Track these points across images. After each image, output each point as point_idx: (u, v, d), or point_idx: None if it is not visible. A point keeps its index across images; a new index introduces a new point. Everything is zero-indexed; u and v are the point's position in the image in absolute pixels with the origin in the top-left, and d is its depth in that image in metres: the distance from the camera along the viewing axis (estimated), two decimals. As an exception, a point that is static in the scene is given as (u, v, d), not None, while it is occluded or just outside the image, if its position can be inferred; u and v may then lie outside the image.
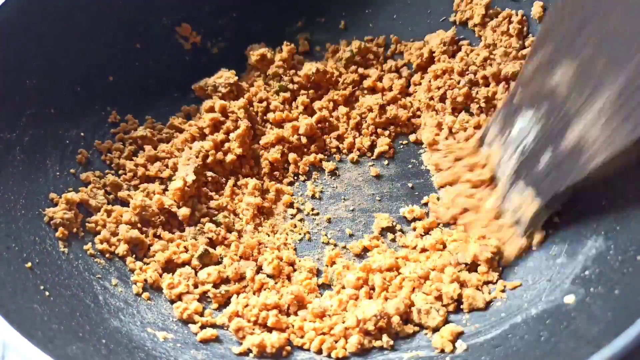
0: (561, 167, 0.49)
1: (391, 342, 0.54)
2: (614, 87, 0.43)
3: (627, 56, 0.42)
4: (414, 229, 0.65)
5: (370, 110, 0.73)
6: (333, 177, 0.71)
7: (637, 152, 0.46)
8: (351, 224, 0.67)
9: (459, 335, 0.54)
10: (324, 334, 0.55)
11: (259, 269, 0.62)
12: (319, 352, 0.54)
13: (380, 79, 0.76)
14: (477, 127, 0.67)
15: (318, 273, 0.63)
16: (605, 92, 0.44)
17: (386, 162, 0.72)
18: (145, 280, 0.59)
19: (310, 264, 0.63)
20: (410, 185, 0.69)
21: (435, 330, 0.55)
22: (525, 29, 0.70)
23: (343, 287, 0.60)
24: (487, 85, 0.69)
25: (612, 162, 0.46)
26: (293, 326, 0.56)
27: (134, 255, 0.61)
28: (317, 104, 0.74)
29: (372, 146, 0.73)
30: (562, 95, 0.48)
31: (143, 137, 0.69)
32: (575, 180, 0.49)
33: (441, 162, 0.66)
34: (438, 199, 0.66)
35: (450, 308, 0.56)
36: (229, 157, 0.68)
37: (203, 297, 0.59)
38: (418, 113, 0.74)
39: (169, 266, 0.61)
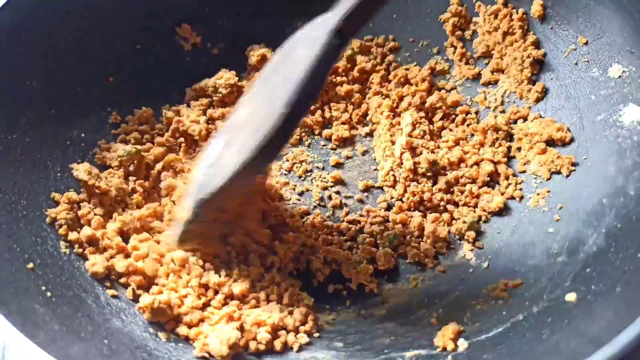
0: (203, 187, 0.56)
1: None
2: (250, 128, 0.54)
3: (267, 103, 0.53)
4: None
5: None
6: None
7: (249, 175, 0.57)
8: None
9: (461, 333, 0.54)
10: None
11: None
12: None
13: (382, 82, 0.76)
14: None
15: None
16: (245, 130, 0.54)
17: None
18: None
19: None
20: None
21: None
22: (525, 26, 0.70)
23: None
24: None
25: (232, 182, 0.54)
26: None
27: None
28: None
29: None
30: (234, 130, 0.57)
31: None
32: (206, 196, 0.55)
33: None
34: None
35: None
36: None
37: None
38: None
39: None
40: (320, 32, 0.52)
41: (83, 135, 0.66)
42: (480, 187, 0.66)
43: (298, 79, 0.51)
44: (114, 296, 0.56)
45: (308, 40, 0.53)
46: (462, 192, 0.66)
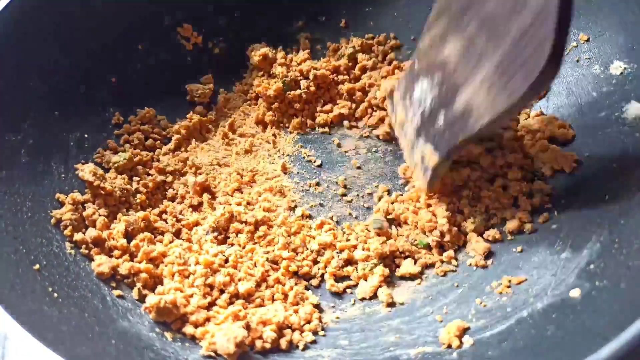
0: (454, 127, 0.57)
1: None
2: (493, 61, 0.50)
3: (502, 34, 0.49)
4: None
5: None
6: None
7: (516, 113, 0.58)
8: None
9: (465, 330, 0.54)
10: None
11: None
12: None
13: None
14: None
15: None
16: (486, 64, 0.51)
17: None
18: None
19: None
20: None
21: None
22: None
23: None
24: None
25: (496, 121, 0.52)
26: None
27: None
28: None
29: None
30: (451, 67, 0.56)
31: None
32: (465, 137, 0.56)
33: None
34: None
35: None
36: None
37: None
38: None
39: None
40: None
41: (86, 136, 0.66)
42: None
43: None
44: (120, 296, 0.56)
45: None
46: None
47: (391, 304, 0.60)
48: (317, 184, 0.71)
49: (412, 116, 0.62)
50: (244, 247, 0.63)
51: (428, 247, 0.63)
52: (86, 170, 0.61)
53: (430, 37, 0.58)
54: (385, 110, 0.73)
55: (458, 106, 0.55)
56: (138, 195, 0.65)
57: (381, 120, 0.74)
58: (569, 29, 0.44)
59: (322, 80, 0.75)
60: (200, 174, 0.69)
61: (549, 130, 0.66)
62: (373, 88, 0.75)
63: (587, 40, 0.66)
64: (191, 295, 0.57)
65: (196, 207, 0.67)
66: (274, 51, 0.76)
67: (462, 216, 0.64)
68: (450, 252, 0.63)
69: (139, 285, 0.57)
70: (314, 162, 0.73)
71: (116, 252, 0.59)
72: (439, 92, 0.57)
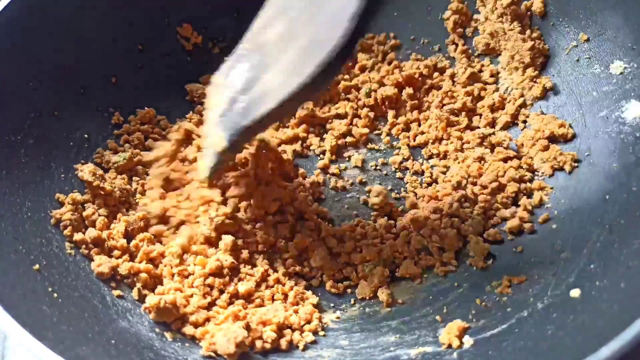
0: (248, 112, 0.53)
1: None
2: (299, 46, 0.49)
3: (315, 18, 0.48)
4: None
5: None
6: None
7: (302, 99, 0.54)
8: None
9: (466, 330, 0.54)
10: None
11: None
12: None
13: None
14: None
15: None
16: (293, 49, 0.49)
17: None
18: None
19: None
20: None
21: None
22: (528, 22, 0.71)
23: None
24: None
25: (283, 106, 0.51)
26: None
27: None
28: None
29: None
30: (267, 50, 0.53)
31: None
32: (251, 122, 0.53)
33: None
34: None
35: None
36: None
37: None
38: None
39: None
40: None
41: (86, 136, 0.66)
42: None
43: None
44: (119, 297, 0.56)
45: None
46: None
47: (391, 304, 0.60)
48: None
49: (222, 99, 0.56)
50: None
51: (427, 250, 0.63)
52: (85, 171, 0.61)
53: (262, 16, 0.55)
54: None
55: (257, 91, 0.52)
56: (138, 195, 0.65)
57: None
58: (367, 20, 0.46)
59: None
60: None
61: (548, 130, 0.66)
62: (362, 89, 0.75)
63: (587, 40, 0.66)
64: (191, 296, 0.57)
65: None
66: None
67: (458, 220, 0.64)
68: (450, 253, 0.63)
69: (138, 285, 0.57)
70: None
71: (116, 252, 0.59)
72: (251, 75, 0.53)
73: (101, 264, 0.57)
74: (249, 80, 0.53)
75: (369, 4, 0.45)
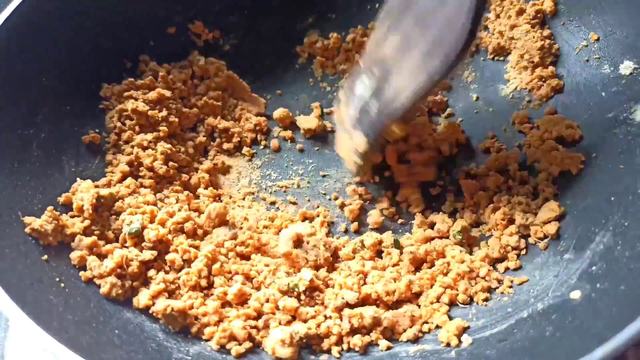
0: (382, 113, 0.61)
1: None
2: (421, 49, 0.54)
3: (430, 26, 0.53)
4: None
5: None
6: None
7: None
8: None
9: (465, 329, 0.54)
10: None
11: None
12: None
13: None
14: None
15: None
16: (415, 53, 0.55)
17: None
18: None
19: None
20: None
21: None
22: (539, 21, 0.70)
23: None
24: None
25: (415, 98, 0.57)
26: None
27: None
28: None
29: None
30: (388, 61, 0.59)
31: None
32: (390, 117, 0.61)
33: None
34: None
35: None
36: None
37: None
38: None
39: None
40: None
41: (97, 130, 0.67)
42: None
43: None
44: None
45: None
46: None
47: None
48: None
49: (353, 111, 0.65)
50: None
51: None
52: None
53: (374, 38, 0.62)
54: None
55: (388, 93, 0.60)
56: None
57: None
58: (482, 18, 0.52)
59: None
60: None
61: (556, 131, 0.65)
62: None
63: (597, 40, 0.66)
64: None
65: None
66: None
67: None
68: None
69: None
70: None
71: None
72: (376, 85, 0.61)
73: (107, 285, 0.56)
74: (376, 89, 0.61)
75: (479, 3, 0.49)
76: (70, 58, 0.66)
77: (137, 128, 0.67)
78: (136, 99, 0.68)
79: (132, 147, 0.66)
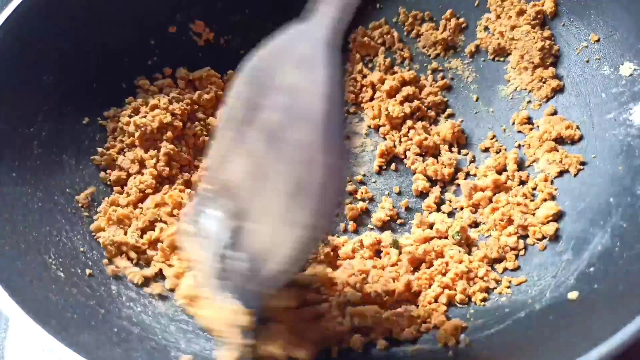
0: (255, 280, 0.44)
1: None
2: (280, 189, 0.41)
3: (290, 156, 0.40)
4: None
5: None
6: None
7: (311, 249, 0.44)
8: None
9: (463, 329, 0.54)
10: None
11: None
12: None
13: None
14: None
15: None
16: (272, 192, 0.42)
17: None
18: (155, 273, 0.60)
19: None
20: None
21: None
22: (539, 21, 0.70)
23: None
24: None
25: (294, 264, 0.44)
26: None
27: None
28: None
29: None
30: (238, 193, 0.44)
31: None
32: (268, 289, 0.45)
33: None
34: None
35: None
36: None
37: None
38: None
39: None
40: (310, 48, 0.43)
41: (98, 129, 0.67)
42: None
43: (319, 115, 0.39)
44: (125, 286, 0.57)
45: (295, 61, 0.43)
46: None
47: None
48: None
49: (212, 260, 0.46)
50: None
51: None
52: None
53: (216, 149, 0.46)
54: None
55: (252, 246, 0.44)
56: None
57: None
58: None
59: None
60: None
61: (555, 131, 0.65)
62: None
63: (598, 41, 0.66)
64: None
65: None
66: None
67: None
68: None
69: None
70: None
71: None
72: (232, 227, 0.45)
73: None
74: (234, 231, 0.44)
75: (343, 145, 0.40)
76: (70, 57, 0.66)
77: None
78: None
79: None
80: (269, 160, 0.42)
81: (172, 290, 0.58)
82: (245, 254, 0.44)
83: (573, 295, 0.52)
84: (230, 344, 0.47)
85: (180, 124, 0.69)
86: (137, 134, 0.66)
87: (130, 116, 0.68)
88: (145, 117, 0.67)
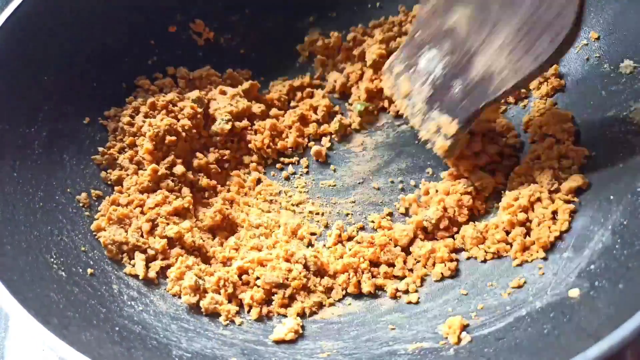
0: (473, 94, 0.57)
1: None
2: (512, 25, 0.52)
3: (516, 4, 0.51)
4: None
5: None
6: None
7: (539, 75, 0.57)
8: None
9: (465, 327, 0.54)
10: None
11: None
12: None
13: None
14: None
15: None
16: (503, 30, 0.53)
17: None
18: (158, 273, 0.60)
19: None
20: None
21: None
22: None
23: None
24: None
25: (521, 85, 0.55)
26: None
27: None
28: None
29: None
30: (462, 35, 0.57)
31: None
32: (488, 102, 0.57)
33: None
34: None
35: None
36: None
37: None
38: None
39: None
40: None
41: (98, 129, 0.68)
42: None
43: None
44: (126, 285, 0.58)
45: None
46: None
47: (395, 297, 0.61)
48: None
49: (421, 86, 0.62)
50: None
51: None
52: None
53: (430, 6, 0.59)
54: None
55: (476, 73, 0.56)
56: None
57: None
58: None
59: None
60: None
61: (555, 129, 0.65)
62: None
63: (598, 39, 0.66)
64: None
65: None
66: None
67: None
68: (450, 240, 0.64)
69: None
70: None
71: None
72: (450, 60, 0.58)
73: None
74: (453, 65, 0.57)
75: None
76: (70, 57, 0.66)
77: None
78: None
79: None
80: (495, 7, 0.53)
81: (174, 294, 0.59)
82: (464, 81, 0.57)
83: (574, 292, 0.52)
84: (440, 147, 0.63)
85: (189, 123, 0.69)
86: (149, 133, 0.66)
87: (131, 116, 0.68)
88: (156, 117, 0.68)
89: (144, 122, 0.68)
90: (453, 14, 0.56)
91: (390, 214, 0.68)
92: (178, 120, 0.69)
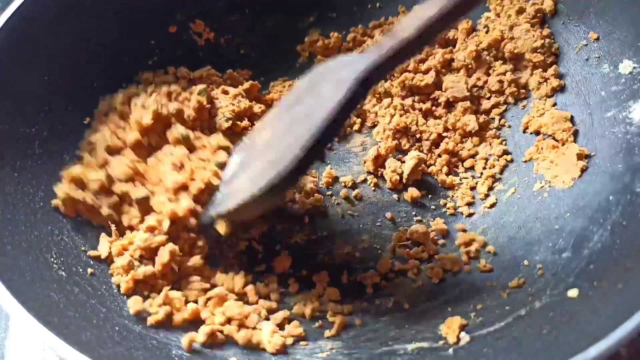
0: (220, 205, 0.59)
1: None
2: (268, 157, 0.54)
3: (284, 139, 0.54)
4: None
5: None
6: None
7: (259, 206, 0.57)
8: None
9: (464, 327, 0.55)
10: None
11: None
12: None
13: None
14: None
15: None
16: (262, 160, 0.55)
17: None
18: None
19: None
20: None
21: None
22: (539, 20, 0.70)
23: None
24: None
25: (241, 209, 0.55)
26: None
27: None
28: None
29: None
30: (252, 153, 0.59)
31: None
32: (217, 214, 0.59)
33: None
34: None
35: None
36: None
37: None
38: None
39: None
40: (347, 75, 0.51)
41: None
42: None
43: (319, 122, 0.50)
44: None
45: (334, 80, 0.52)
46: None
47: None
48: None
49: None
50: None
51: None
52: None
53: (262, 120, 0.63)
54: None
55: (232, 186, 0.58)
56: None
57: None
58: (317, 153, 0.52)
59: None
60: None
61: (555, 129, 0.65)
62: None
63: (597, 39, 0.66)
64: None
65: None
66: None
67: None
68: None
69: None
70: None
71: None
72: (235, 171, 0.60)
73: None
74: (234, 174, 0.59)
75: (326, 137, 0.51)
76: (71, 57, 0.66)
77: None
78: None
79: None
80: (277, 136, 0.55)
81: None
82: (226, 190, 0.59)
83: (573, 292, 0.52)
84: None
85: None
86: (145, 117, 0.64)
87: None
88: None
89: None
90: (262, 133, 0.59)
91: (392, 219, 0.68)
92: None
